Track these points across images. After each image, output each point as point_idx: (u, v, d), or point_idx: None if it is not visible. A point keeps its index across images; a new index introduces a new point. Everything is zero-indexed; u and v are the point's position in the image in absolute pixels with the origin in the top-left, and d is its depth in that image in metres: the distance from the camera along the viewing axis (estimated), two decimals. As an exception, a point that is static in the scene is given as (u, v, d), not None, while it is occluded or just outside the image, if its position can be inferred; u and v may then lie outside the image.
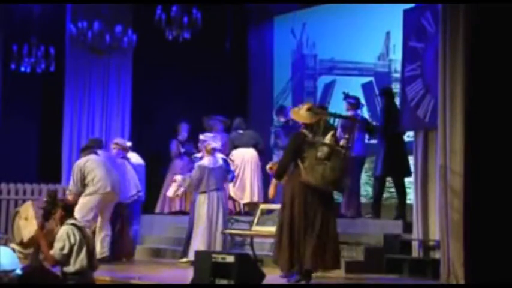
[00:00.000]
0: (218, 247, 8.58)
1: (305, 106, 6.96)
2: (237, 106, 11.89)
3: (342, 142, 6.75)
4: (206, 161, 8.84)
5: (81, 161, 8.94)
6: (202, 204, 8.71)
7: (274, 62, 12.73)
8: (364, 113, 9.47)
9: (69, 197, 8.70)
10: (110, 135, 11.44)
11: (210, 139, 8.99)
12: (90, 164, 8.82)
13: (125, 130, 11.56)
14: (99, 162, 8.90)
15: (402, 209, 9.10)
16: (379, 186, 9.29)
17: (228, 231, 8.65)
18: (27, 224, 8.74)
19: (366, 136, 9.61)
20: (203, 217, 8.66)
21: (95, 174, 8.76)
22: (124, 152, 9.66)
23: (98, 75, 11.55)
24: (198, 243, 8.61)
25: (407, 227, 8.39)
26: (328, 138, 6.73)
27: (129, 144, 10.00)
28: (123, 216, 9.30)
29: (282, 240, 6.74)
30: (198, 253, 7.07)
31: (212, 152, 8.86)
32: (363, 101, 11.09)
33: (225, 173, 8.98)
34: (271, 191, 7.13)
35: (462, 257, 6.75)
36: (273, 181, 7.10)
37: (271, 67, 12.76)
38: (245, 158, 10.27)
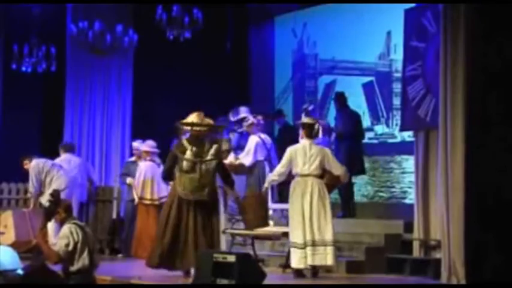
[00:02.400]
0: (222, 247, 8.58)
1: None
2: (238, 106, 11.86)
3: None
4: None
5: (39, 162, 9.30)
6: None
7: (275, 62, 12.73)
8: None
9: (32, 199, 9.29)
10: (111, 135, 11.46)
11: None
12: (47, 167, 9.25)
13: (125, 130, 11.57)
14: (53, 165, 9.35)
15: (352, 208, 9.39)
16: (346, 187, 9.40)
17: (229, 231, 8.65)
18: (6, 232, 8.87)
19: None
20: None
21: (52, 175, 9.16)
22: (152, 156, 9.80)
23: (98, 75, 11.55)
24: None
25: (408, 227, 8.38)
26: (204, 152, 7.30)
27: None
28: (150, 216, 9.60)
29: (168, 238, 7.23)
30: (199, 253, 7.08)
31: None
32: (363, 101, 11.19)
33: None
34: None
35: (463, 256, 6.74)
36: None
37: (272, 67, 12.76)
38: None
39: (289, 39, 12.46)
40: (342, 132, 9.60)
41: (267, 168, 9.38)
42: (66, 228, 6.30)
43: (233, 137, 10.04)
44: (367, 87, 11.31)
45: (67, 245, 6.21)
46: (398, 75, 10.09)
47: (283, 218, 9.42)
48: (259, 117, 9.80)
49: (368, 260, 8.04)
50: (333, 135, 9.81)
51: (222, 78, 12.13)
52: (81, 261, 6.22)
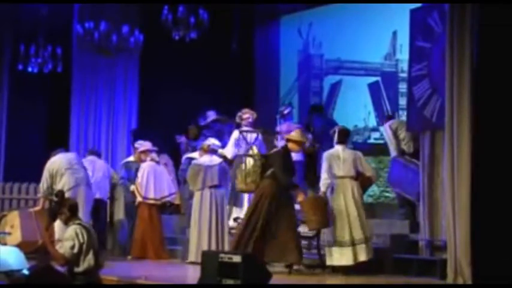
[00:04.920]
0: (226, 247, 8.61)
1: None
2: (243, 106, 11.85)
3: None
4: (202, 158, 8.98)
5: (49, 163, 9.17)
6: (197, 202, 8.77)
7: (280, 62, 12.70)
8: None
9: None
10: (117, 135, 11.46)
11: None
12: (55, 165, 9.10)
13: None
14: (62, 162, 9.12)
15: None
16: None
17: (234, 231, 8.65)
18: (12, 232, 8.86)
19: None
20: (195, 215, 8.71)
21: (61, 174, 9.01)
22: (151, 154, 9.87)
23: (104, 75, 11.57)
24: (195, 242, 8.63)
25: (415, 227, 8.36)
26: None
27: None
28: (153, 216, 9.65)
29: None
30: (204, 253, 7.07)
31: (209, 150, 8.99)
32: (369, 101, 11.18)
33: (225, 173, 9.02)
34: None
35: (469, 256, 6.72)
36: None
37: (278, 67, 12.73)
38: None
39: (295, 39, 12.43)
40: (319, 134, 9.82)
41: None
42: (71, 229, 6.29)
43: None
44: (373, 88, 11.28)
45: (72, 247, 6.19)
46: (404, 75, 10.07)
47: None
48: (248, 114, 9.89)
49: (374, 261, 8.00)
50: (309, 136, 9.93)
51: (227, 79, 12.12)
52: (87, 262, 6.21)
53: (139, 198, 9.64)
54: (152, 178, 9.65)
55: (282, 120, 10.19)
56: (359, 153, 8.19)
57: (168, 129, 11.28)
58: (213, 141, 9.16)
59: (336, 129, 8.32)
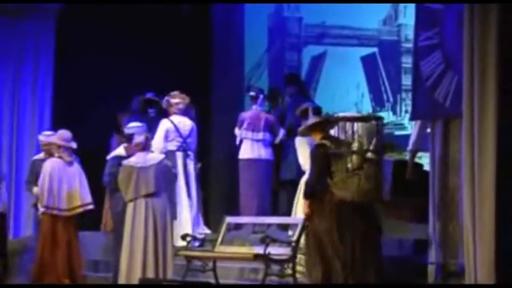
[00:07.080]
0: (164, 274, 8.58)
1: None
2: (197, 87, 11.89)
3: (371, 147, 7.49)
4: (134, 158, 8.86)
5: None
6: (129, 216, 8.76)
7: (245, 29, 12.73)
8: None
9: None
10: (24, 125, 11.43)
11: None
12: None
13: (44, 122, 11.55)
14: None
15: None
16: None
17: (183, 252, 8.60)
18: None
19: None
20: (127, 233, 8.72)
21: None
22: (64, 151, 9.79)
23: (7, 44, 11.54)
24: (125, 268, 8.63)
25: (421, 246, 8.38)
26: (355, 146, 7.45)
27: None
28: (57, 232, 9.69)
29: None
30: (142, 281, 7.06)
31: (141, 146, 8.84)
32: (363, 79, 11.19)
33: (169, 174, 8.99)
34: (307, 211, 7.66)
35: (493, 282, 6.75)
36: (305, 202, 7.77)
37: (242, 35, 12.76)
38: None
39: (265, -2, 12.47)
40: (293, 126, 9.68)
41: (180, 161, 9.88)
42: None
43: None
44: (368, 62, 11.37)
45: None
46: (409, 45, 10.13)
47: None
48: (178, 98, 10.05)
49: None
50: (281, 131, 10.30)
51: (176, 52, 12.12)
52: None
53: (40, 208, 9.67)
54: (57, 181, 9.60)
55: (255, 106, 10.39)
56: None
57: (93, 119, 11.20)
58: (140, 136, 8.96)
59: (309, 107, 8.14)
